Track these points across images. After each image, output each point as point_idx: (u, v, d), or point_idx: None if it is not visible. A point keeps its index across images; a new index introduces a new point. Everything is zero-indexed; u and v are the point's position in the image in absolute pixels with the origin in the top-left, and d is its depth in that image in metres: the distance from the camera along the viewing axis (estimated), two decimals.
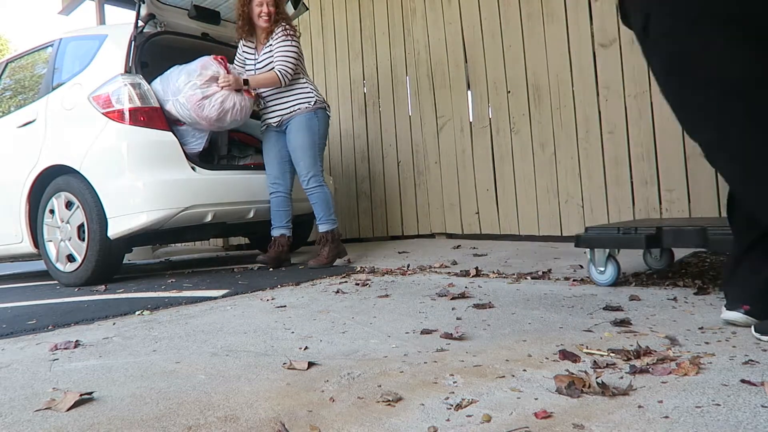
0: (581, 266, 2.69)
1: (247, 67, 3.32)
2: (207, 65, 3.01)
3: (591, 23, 3.61)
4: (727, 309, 1.50)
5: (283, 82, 3.16)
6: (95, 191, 3.07)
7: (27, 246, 3.47)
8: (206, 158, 3.55)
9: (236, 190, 3.36)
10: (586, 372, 1.18)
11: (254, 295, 2.46)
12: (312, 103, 3.22)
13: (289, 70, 3.15)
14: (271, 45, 3.19)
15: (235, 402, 1.13)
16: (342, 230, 5.03)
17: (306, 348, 1.52)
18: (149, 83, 3.13)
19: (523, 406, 1.03)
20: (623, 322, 1.58)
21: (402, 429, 0.96)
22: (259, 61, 3.25)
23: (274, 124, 3.31)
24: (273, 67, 3.16)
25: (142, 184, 3.02)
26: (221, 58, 3.08)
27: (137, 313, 2.19)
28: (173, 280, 3.08)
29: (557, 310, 1.81)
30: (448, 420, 0.99)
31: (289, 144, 3.26)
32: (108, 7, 5.99)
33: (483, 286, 2.34)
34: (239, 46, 3.36)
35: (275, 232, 3.36)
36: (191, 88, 2.95)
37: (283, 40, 3.17)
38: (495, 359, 1.31)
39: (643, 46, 1.41)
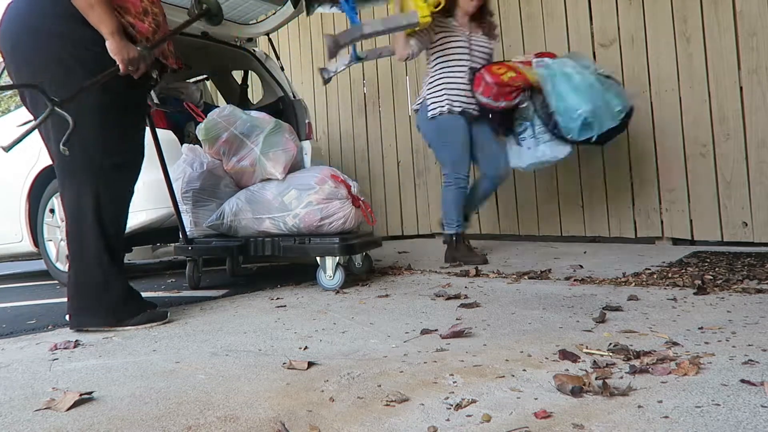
0: (581, 266, 2.69)
1: (454, 44, 3.00)
2: (323, 180, 2.50)
3: (591, 23, 3.61)
4: None
5: None
6: None
7: (27, 245, 3.47)
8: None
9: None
10: (586, 372, 1.18)
11: (254, 294, 2.46)
12: None
13: None
14: (489, 39, 3.07)
15: (235, 402, 1.13)
16: None
17: (306, 348, 1.52)
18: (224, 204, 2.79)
19: (523, 406, 1.03)
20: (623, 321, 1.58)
21: (402, 429, 0.96)
22: (480, 45, 3.04)
23: (476, 112, 3.01)
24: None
25: (142, 183, 2.99)
26: (341, 180, 2.55)
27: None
28: (173, 280, 3.08)
29: (557, 310, 1.81)
30: (447, 420, 0.99)
31: (484, 134, 3.05)
32: None
33: (482, 286, 2.34)
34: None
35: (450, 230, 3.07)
36: (307, 206, 2.47)
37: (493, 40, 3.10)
38: (495, 359, 1.31)
39: None
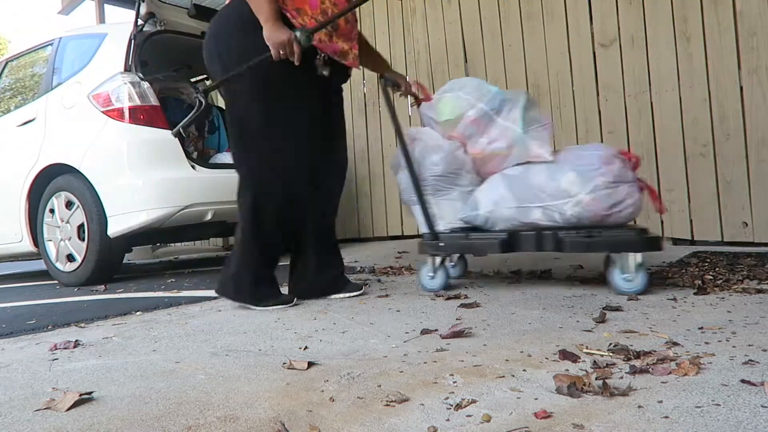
0: (581, 266, 2.69)
1: None
2: (610, 159, 2.09)
3: (591, 23, 3.61)
4: None
5: None
6: (95, 190, 3.07)
7: (27, 245, 3.47)
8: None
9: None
10: (586, 372, 1.18)
11: None
12: None
13: None
14: None
15: (234, 402, 1.13)
16: (342, 230, 5.04)
17: (306, 348, 1.52)
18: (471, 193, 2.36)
19: (523, 406, 1.03)
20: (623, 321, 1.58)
21: (402, 429, 0.96)
22: None
23: None
24: None
25: (142, 183, 3.02)
26: (630, 158, 2.14)
27: (136, 313, 2.19)
28: (173, 280, 3.08)
29: (557, 310, 1.81)
30: (447, 420, 0.99)
31: None
32: (108, 7, 5.99)
33: (483, 286, 2.34)
34: None
35: None
36: (593, 191, 2.06)
37: None
38: (495, 359, 1.31)
39: None
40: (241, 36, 2.02)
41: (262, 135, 2.06)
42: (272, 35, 1.91)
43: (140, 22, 3.29)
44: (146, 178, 3.03)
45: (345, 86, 5.23)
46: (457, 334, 1.53)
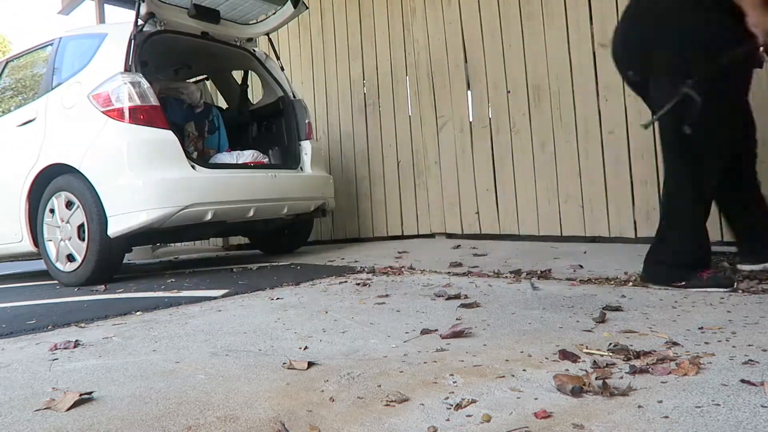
0: (581, 266, 2.69)
1: None
2: None
3: (591, 23, 3.61)
4: None
5: None
6: (95, 190, 3.07)
7: (27, 245, 3.47)
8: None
9: (236, 189, 3.36)
10: (586, 372, 1.18)
11: (254, 294, 2.46)
12: None
13: None
14: None
15: (234, 402, 1.13)
16: (342, 230, 5.04)
17: (306, 348, 1.52)
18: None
19: (523, 406, 1.03)
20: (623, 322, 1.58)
21: (402, 429, 0.96)
22: None
23: None
24: None
25: (142, 183, 3.02)
26: None
27: (136, 313, 2.19)
28: (173, 280, 3.08)
29: (557, 310, 1.81)
30: (447, 420, 0.99)
31: None
32: (108, 7, 6.00)
33: (482, 286, 2.34)
34: None
35: None
36: None
37: None
38: (495, 359, 1.31)
39: None
40: (701, 13, 1.92)
41: (717, 115, 2.00)
42: (764, 23, 1.82)
43: (140, 22, 3.29)
44: (146, 178, 3.03)
45: (344, 86, 5.22)
46: (457, 334, 1.53)
